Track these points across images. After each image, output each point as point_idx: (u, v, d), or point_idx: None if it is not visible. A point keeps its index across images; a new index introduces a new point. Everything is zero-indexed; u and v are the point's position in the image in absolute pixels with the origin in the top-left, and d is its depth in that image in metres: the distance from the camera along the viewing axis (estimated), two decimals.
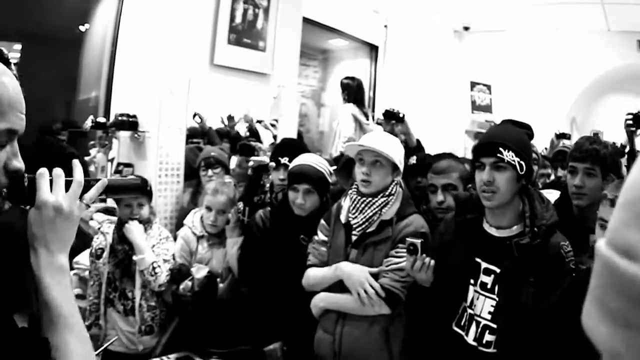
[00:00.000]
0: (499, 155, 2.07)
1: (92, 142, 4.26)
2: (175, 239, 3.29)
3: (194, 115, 4.21)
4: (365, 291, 2.37)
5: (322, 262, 2.60)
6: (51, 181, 1.07)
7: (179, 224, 3.57)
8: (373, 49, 6.24)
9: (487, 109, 7.07)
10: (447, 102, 6.91)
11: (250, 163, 3.37)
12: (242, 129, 4.56)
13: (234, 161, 4.06)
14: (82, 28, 5.15)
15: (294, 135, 4.61)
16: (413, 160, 3.16)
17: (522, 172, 2.08)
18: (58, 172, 1.08)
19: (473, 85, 7.08)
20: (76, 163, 1.12)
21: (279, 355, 2.72)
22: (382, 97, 6.14)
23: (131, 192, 1.26)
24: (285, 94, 4.44)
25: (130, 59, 4.01)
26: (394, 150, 2.47)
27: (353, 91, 5.02)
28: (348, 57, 6.40)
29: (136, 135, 3.76)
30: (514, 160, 2.06)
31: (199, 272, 3.03)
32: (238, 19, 4.02)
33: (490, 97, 7.19)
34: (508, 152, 2.07)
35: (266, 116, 4.49)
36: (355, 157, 2.52)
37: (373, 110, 5.90)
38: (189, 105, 3.92)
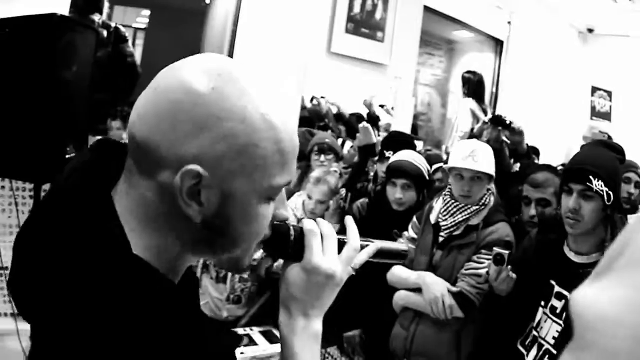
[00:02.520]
0: (587, 183, 2.10)
1: None
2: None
3: (312, 99, 4.54)
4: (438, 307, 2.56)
5: (409, 258, 2.74)
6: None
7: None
8: (498, 44, 6.27)
9: (607, 116, 6.86)
10: (566, 105, 6.86)
11: (356, 142, 3.62)
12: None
13: (347, 146, 4.34)
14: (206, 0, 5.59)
15: (408, 127, 4.82)
16: (516, 167, 3.27)
17: (609, 202, 2.10)
18: (329, 231, 0.96)
19: (594, 90, 6.89)
20: (350, 222, 1.02)
21: (356, 342, 3.00)
22: (504, 93, 6.17)
23: (396, 259, 1.14)
24: (401, 85, 4.65)
25: (249, 41, 4.39)
26: (490, 164, 2.64)
27: (473, 86, 5.13)
28: (473, 50, 6.46)
29: None
30: (602, 190, 2.09)
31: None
32: (356, 9, 4.29)
33: (610, 104, 6.97)
34: (597, 180, 2.09)
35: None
36: (451, 171, 2.70)
37: (494, 106, 5.96)
38: (304, 91, 4.23)
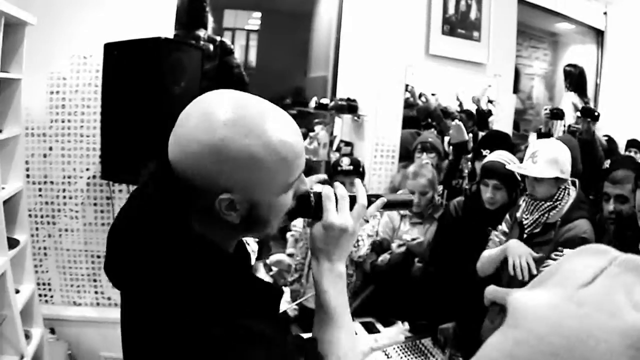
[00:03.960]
0: None
1: (316, 120, 5.07)
2: (381, 215, 3.86)
3: (420, 95, 4.78)
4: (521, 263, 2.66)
5: None
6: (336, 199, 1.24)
7: None
8: (599, 34, 6.16)
9: None
10: None
11: (451, 131, 3.84)
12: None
13: None
14: (312, 7, 5.99)
15: (510, 125, 4.94)
16: (607, 164, 3.36)
17: None
18: (342, 192, 1.24)
19: None
20: (359, 184, 1.30)
21: (450, 333, 3.20)
22: (607, 84, 6.06)
23: (403, 207, 1.40)
24: (501, 83, 4.79)
25: (352, 46, 4.72)
26: (554, 167, 2.71)
27: (575, 79, 5.18)
28: (576, 42, 6.38)
29: (355, 118, 4.46)
30: None
31: (399, 242, 3.55)
32: (451, 10, 4.46)
33: None
34: None
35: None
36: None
37: (596, 98, 5.91)
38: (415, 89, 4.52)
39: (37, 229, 3.66)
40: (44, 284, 3.75)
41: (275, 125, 1.04)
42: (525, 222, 2.83)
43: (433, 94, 5.04)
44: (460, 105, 5.33)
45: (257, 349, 1.02)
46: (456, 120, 3.99)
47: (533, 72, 6.26)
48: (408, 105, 5.30)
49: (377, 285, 3.73)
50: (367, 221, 1.32)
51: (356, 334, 1.39)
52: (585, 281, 0.73)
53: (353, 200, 1.25)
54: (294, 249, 4.08)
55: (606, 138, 4.46)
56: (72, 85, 3.55)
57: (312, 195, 1.23)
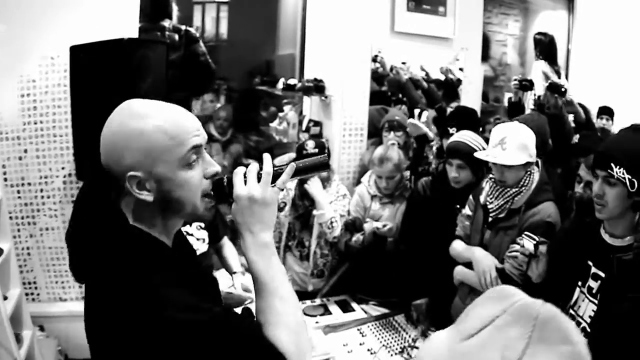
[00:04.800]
0: (609, 170, 2.14)
1: (285, 101, 5.19)
2: (351, 195, 4.02)
3: (391, 69, 4.86)
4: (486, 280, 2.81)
5: (465, 234, 3.11)
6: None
7: (360, 179, 4.24)
8: (569, 0, 6.24)
9: None
10: None
11: (409, 128, 3.97)
12: None
13: (425, 115, 4.60)
14: None
15: (478, 99, 5.09)
16: (576, 139, 3.50)
17: (633, 190, 2.11)
18: (252, 167, 1.37)
19: None
20: (266, 156, 1.39)
21: (423, 309, 3.38)
22: (578, 51, 6.16)
23: (319, 171, 1.47)
24: (469, 56, 4.92)
25: (318, 25, 4.81)
26: (523, 152, 2.76)
27: (544, 47, 5.27)
28: (547, 8, 6.45)
29: (322, 98, 4.59)
30: (624, 178, 2.10)
31: (370, 227, 3.69)
32: None
33: None
34: (619, 168, 2.11)
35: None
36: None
37: (567, 65, 6.04)
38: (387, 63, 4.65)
39: (18, 230, 3.81)
40: (29, 283, 3.92)
41: (159, 107, 1.31)
42: (489, 206, 2.92)
43: (404, 63, 5.15)
44: (427, 75, 5.44)
45: (199, 315, 1.17)
46: (411, 119, 4.13)
47: (504, 39, 6.37)
48: (378, 76, 5.43)
49: (352, 263, 3.93)
50: (281, 189, 1.41)
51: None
52: (472, 332, 0.89)
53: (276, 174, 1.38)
54: None
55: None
56: (41, 87, 3.66)
57: (225, 179, 1.36)
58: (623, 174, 2.11)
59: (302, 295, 3.76)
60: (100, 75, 3.17)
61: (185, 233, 2.72)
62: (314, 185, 3.81)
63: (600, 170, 2.19)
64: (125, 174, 1.25)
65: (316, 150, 3.75)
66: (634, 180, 2.10)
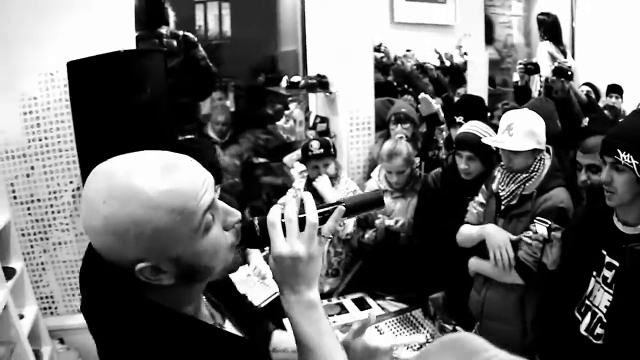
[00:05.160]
0: (616, 157, 2.14)
1: (290, 98, 5.19)
2: (362, 190, 4.00)
3: (395, 59, 4.86)
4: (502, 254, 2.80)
5: (477, 221, 3.09)
6: (283, 224, 1.15)
7: (370, 173, 4.25)
8: None
9: None
10: None
11: (420, 105, 3.95)
12: None
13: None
14: None
15: (485, 85, 5.05)
16: (585, 122, 3.48)
17: None
18: (290, 215, 1.15)
19: None
20: (308, 198, 1.19)
21: (440, 303, 3.40)
22: (582, 28, 6.11)
23: (373, 208, 1.27)
24: (471, 43, 4.88)
25: (317, 20, 4.79)
26: (531, 138, 2.79)
27: (548, 27, 5.26)
28: None
29: (327, 94, 4.59)
30: (631, 164, 2.11)
31: (382, 224, 3.69)
32: None
33: None
34: (626, 154, 2.11)
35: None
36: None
37: (573, 44, 5.98)
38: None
39: (32, 246, 3.83)
40: (46, 297, 3.96)
41: (146, 180, 1.01)
42: (501, 193, 2.93)
43: (408, 50, 5.14)
44: (440, 58, 5.42)
45: None
46: (422, 94, 4.09)
47: (507, 21, 6.32)
48: (383, 66, 5.41)
49: (366, 260, 3.93)
50: (332, 236, 1.19)
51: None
52: None
53: (303, 220, 1.16)
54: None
55: (587, 89, 4.53)
56: (43, 103, 3.67)
57: (256, 223, 1.17)
58: (630, 159, 2.11)
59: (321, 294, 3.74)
60: (100, 89, 3.19)
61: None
62: (322, 183, 3.81)
63: (608, 156, 2.19)
64: (134, 268, 1.03)
65: (321, 150, 3.76)
66: None
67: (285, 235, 1.14)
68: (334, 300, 3.68)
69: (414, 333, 3.20)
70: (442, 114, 4.01)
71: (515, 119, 2.85)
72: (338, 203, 1.21)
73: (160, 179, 1.01)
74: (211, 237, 1.08)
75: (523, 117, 2.87)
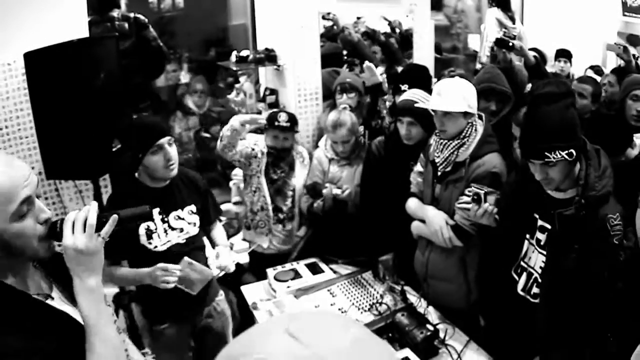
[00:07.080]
0: (545, 159, 2.29)
1: (240, 72, 5.36)
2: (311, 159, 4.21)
3: (342, 29, 5.04)
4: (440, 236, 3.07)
5: (419, 190, 3.33)
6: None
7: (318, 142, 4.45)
8: None
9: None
10: (596, 2, 6.32)
11: (364, 73, 4.12)
12: None
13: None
14: None
15: (431, 55, 5.27)
16: (529, 88, 3.71)
17: (572, 158, 2.28)
18: (80, 215, 1.55)
19: None
20: (93, 205, 1.60)
21: (389, 264, 3.62)
22: None
23: (142, 220, 1.72)
24: (418, 12, 5.10)
25: None
26: (461, 102, 2.97)
27: None
28: None
29: (275, 67, 4.79)
30: (562, 156, 2.26)
31: (329, 193, 3.88)
32: None
33: None
34: (554, 152, 2.26)
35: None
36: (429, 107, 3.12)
37: (522, 9, 6.19)
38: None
39: None
40: None
41: None
42: (437, 160, 3.13)
43: (359, 17, 5.32)
44: (390, 24, 5.63)
45: None
46: (367, 62, 4.28)
47: None
48: (332, 34, 5.59)
49: (316, 227, 4.15)
50: (104, 239, 1.61)
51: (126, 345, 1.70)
52: None
53: (101, 221, 1.56)
54: (239, 197, 4.45)
55: (533, 54, 4.75)
56: (2, 93, 3.86)
57: (58, 224, 1.55)
58: (559, 154, 2.26)
59: (278, 258, 4.01)
60: (57, 77, 3.41)
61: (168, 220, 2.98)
62: (300, 177, 4.11)
63: (537, 160, 2.34)
64: None
65: (288, 124, 3.95)
66: (571, 150, 2.26)
67: (73, 232, 1.52)
68: (288, 267, 3.82)
69: (364, 294, 3.41)
70: (385, 85, 4.21)
71: (446, 84, 3.07)
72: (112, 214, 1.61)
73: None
74: (23, 225, 1.47)
75: (453, 82, 3.08)
